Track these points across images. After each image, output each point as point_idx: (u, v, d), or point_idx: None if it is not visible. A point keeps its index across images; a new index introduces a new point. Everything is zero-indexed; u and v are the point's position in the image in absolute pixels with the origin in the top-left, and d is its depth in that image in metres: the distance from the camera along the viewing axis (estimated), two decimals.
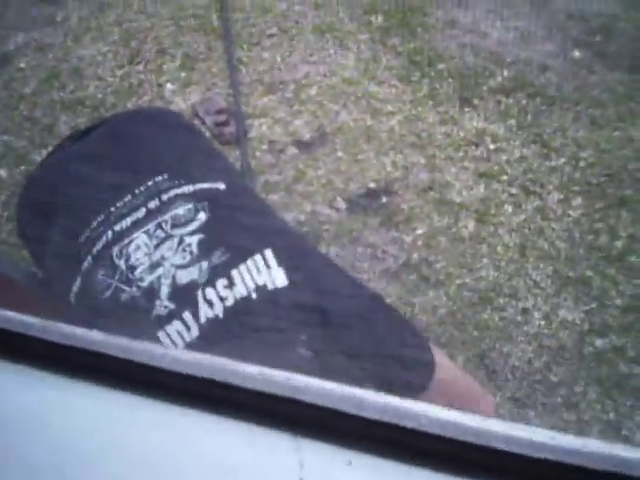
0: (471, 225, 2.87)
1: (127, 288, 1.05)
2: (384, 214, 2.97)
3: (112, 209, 1.12)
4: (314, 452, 0.52)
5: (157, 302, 1.04)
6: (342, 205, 3.03)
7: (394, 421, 0.50)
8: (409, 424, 0.50)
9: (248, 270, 1.03)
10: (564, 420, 2.24)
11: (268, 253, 1.05)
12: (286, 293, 1.03)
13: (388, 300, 2.61)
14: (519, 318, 2.54)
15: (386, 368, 1.11)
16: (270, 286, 1.03)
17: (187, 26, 4.08)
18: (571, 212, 2.91)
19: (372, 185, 3.10)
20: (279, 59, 3.83)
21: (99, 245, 1.09)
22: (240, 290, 1.02)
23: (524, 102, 3.43)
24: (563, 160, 3.14)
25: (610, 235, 2.80)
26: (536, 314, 2.55)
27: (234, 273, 1.03)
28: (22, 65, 3.89)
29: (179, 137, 1.33)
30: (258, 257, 1.05)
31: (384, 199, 3.03)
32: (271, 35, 4.01)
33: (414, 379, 1.12)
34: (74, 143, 1.34)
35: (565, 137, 3.24)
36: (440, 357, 1.17)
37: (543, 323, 2.52)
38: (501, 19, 3.97)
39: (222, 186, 1.16)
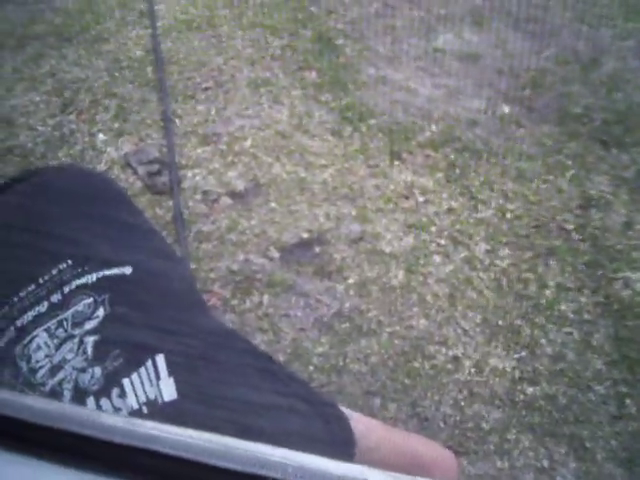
0: (401, 275, 2.92)
1: (30, 392, 1.01)
2: (317, 264, 2.99)
3: (15, 299, 1.07)
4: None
5: None
6: (275, 254, 3.04)
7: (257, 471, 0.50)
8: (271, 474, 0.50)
9: (140, 379, 0.99)
10: (497, 468, 2.26)
11: (160, 360, 1.00)
12: (176, 407, 0.98)
13: (320, 349, 2.62)
14: (450, 366, 2.57)
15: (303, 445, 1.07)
16: (159, 400, 0.98)
17: (121, 78, 4.09)
18: (499, 262, 2.98)
19: (305, 235, 3.12)
20: (214, 112, 3.86)
21: (1, 342, 1.05)
22: (131, 402, 0.97)
23: (452, 156, 3.54)
24: (491, 212, 3.23)
25: (539, 284, 2.88)
26: (467, 362, 2.58)
27: (125, 382, 0.98)
28: None
29: (95, 206, 1.26)
30: (149, 364, 1.00)
31: (317, 249, 3.06)
32: (206, 88, 4.05)
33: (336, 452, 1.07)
34: None
35: (493, 190, 3.34)
36: (364, 422, 1.13)
37: (474, 371, 2.55)
38: (431, 76, 4.11)
39: (128, 271, 1.10)
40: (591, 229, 3.09)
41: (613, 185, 3.30)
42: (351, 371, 2.55)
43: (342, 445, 1.06)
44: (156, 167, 3.44)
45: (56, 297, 1.07)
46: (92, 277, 1.09)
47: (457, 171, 3.46)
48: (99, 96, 3.94)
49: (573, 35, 4.45)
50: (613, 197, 3.23)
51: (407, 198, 3.30)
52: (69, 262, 1.10)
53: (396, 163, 3.49)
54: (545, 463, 2.25)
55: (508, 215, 3.20)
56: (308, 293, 2.87)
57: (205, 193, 3.36)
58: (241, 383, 1.07)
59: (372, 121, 3.75)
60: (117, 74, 4.11)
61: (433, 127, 3.72)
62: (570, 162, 3.46)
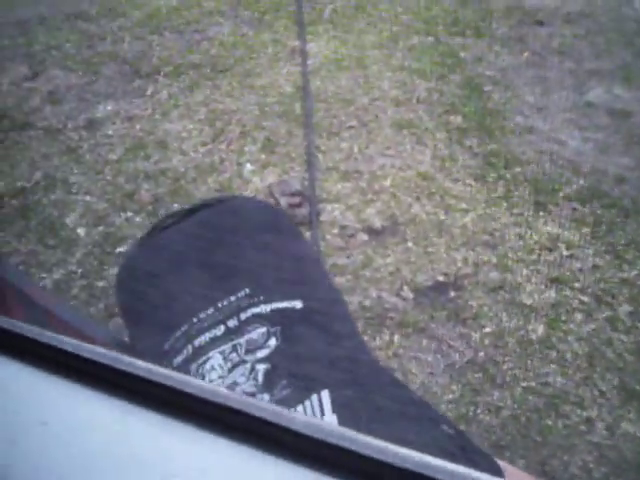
0: (540, 329, 2.82)
1: None
2: (451, 308, 2.94)
3: (195, 320, 1.14)
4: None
5: None
6: (409, 295, 3.02)
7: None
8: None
9: (304, 411, 1.01)
10: None
11: (325, 396, 1.02)
12: None
13: (450, 396, 2.56)
14: (582, 427, 2.45)
15: None
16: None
17: (271, 112, 4.22)
18: None
19: (441, 278, 3.08)
20: (356, 150, 3.91)
21: (179, 359, 1.11)
22: None
23: (599, 212, 3.41)
24: (635, 272, 3.08)
25: None
26: (599, 424, 2.45)
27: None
28: (109, 132, 4.06)
29: (271, 237, 1.32)
30: (315, 398, 1.02)
31: (452, 293, 3.01)
32: (350, 127, 4.11)
33: None
34: (172, 226, 1.36)
35: (639, 250, 3.19)
36: (516, 475, 1.11)
37: (606, 434, 2.42)
38: (580, 129, 4.00)
39: (299, 305, 1.15)
40: None
41: None
42: (481, 422, 2.47)
43: None
44: (297, 199, 3.51)
45: (233, 322, 1.12)
46: (267, 307, 1.13)
47: (603, 227, 3.33)
48: (248, 128, 4.08)
49: None
50: None
51: (551, 251, 3.20)
52: (247, 291, 1.15)
53: (541, 214, 3.40)
54: None
55: None
56: (440, 337, 2.82)
57: (343, 228, 3.38)
58: (401, 428, 1.07)
59: (517, 169, 3.69)
60: (267, 108, 4.25)
61: (581, 181, 3.61)
62: None
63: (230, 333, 1.11)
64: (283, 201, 3.51)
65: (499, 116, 4.10)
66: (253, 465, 0.56)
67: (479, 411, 2.52)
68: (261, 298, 1.14)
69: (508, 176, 3.64)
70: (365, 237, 3.35)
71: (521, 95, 4.33)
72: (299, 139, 3.98)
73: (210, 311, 1.14)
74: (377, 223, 3.42)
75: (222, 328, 1.12)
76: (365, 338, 2.84)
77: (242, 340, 1.10)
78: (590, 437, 2.44)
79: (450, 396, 2.58)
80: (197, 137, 4.01)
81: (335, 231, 3.38)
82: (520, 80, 4.50)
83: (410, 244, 3.28)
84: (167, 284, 1.23)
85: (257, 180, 3.66)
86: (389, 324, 2.91)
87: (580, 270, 3.08)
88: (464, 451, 1.07)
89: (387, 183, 3.67)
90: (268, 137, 3.99)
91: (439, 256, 3.19)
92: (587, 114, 4.18)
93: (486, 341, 2.77)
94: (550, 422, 2.48)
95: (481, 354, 2.72)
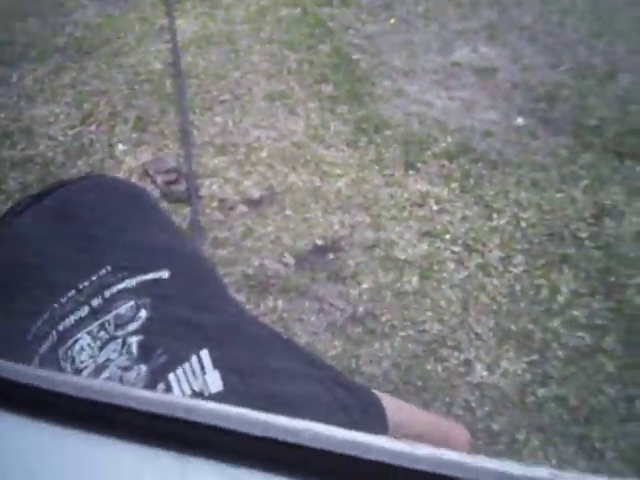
0: (415, 280, 2.93)
1: None
2: (331, 269, 3.01)
3: (56, 305, 1.12)
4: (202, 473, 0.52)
5: None
6: (290, 260, 3.07)
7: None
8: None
9: (185, 374, 1.02)
10: None
11: (204, 354, 1.04)
12: (222, 398, 1.01)
13: (333, 352, 2.64)
14: (461, 369, 2.58)
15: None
16: (205, 392, 1.01)
17: (141, 90, 4.16)
18: (512, 269, 2.99)
19: (319, 242, 3.15)
20: (231, 123, 3.92)
21: (45, 346, 1.09)
22: (177, 396, 1.01)
23: (467, 167, 3.56)
24: (505, 220, 3.25)
25: (551, 290, 2.88)
26: (478, 365, 2.59)
27: (171, 377, 1.02)
28: None
29: (130, 214, 1.31)
30: (194, 359, 1.04)
31: (331, 255, 3.09)
32: (223, 101, 4.11)
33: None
34: (26, 210, 1.33)
35: (507, 199, 3.36)
36: (392, 402, 1.17)
37: (485, 374, 2.56)
38: (446, 89, 4.14)
39: (166, 274, 1.16)
40: (605, 237, 3.10)
41: (627, 195, 3.31)
42: (364, 373, 2.56)
43: (377, 425, 1.10)
44: (173, 176, 3.49)
45: (97, 302, 1.11)
46: (132, 282, 1.14)
47: (472, 181, 3.48)
48: (119, 108, 4.01)
49: (589, 49, 4.48)
50: (626, 207, 3.23)
51: (421, 206, 3.32)
52: (108, 268, 1.15)
53: (411, 173, 3.52)
54: (554, 462, 2.25)
55: (522, 224, 3.21)
56: (322, 298, 2.89)
57: (222, 201, 3.40)
58: (283, 372, 1.11)
59: (387, 132, 3.79)
60: (136, 87, 4.18)
61: (448, 138, 3.75)
62: (584, 172, 3.47)
63: (95, 312, 1.11)
64: (159, 179, 3.49)
65: (368, 82, 4.19)
66: (152, 464, 0.55)
67: (361, 363, 2.61)
68: (125, 274, 1.14)
69: (379, 140, 3.74)
70: (244, 208, 3.38)
71: (389, 61, 4.44)
72: (171, 116, 3.95)
73: (71, 294, 1.13)
74: (255, 194, 3.45)
75: (86, 309, 1.12)
76: (250, 306, 2.88)
77: (109, 317, 1.10)
78: (470, 378, 2.57)
79: (333, 352, 2.65)
80: (65, 121, 3.91)
81: (214, 205, 3.39)
82: (387, 46, 4.60)
83: (288, 212, 3.33)
84: (24, 271, 1.21)
85: (130, 160, 3.62)
86: (272, 290, 2.95)
87: (450, 222, 3.22)
88: (342, 387, 1.13)
89: (263, 154, 3.70)
90: (139, 116, 3.94)
91: (317, 221, 3.26)
92: (453, 74, 4.33)
93: (364, 297, 2.86)
94: (430, 367, 2.60)
95: (360, 309, 2.81)
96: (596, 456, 2.26)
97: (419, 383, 2.53)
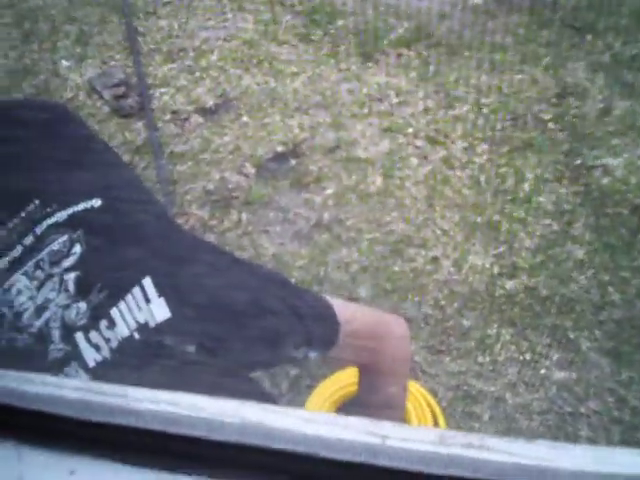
0: (379, 180, 2.88)
1: (18, 336, 1.00)
2: (293, 177, 2.95)
3: None
4: (36, 462, 0.49)
5: (51, 346, 0.99)
6: (251, 170, 3.00)
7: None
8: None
9: (128, 306, 0.99)
10: (479, 363, 2.29)
11: (147, 283, 1.00)
12: (171, 326, 0.98)
13: (301, 262, 2.62)
14: (429, 267, 2.57)
15: (296, 339, 1.10)
16: (151, 323, 0.98)
17: (79, 1, 3.94)
18: (476, 159, 2.94)
19: (280, 149, 3.07)
20: (177, 26, 3.74)
21: None
22: (122, 330, 0.97)
23: (425, 53, 3.44)
24: (466, 108, 3.17)
25: (517, 178, 2.85)
26: (445, 262, 2.58)
27: (113, 312, 0.98)
28: None
29: (55, 140, 1.22)
30: (136, 290, 1.00)
31: (292, 162, 3.01)
32: (167, 3, 3.90)
33: (325, 342, 1.12)
34: None
35: (468, 84, 3.27)
36: (336, 302, 1.17)
37: (453, 270, 2.56)
38: None
39: (98, 203, 1.08)
40: (569, 118, 3.04)
41: (589, 71, 3.22)
42: (333, 280, 2.55)
43: (330, 329, 1.12)
44: (122, 90, 3.35)
45: (29, 240, 1.06)
46: (62, 215, 1.07)
47: (431, 68, 3.37)
48: (58, 22, 3.80)
49: None
50: (589, 84, 3.16)
51: (381, 101, 3.22)
52: (36, 202, 1.08)
53: (368, 65, 3.40)
54: (528, 356, 2.28)
55: (484, 110, 3.14)
56: (286, 207, 2.84)
57: (174, 112, 3.28)
58: (233, 289, 1.08)
59: (341, 22, 3.63)
60: None
61: (404, 24, 3.60)
62: (544, 51, 3.36)
63: (29, 251, 1.06)
64: (107, 94, 3.35)
65: None
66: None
67: (330, 269, 2.59)
68: (54, 207, 1.08)
69: (332, 31, 3.58)
70: (200, 119, 3.27)
71: None
72: (114, 25, 3.75)
73: (2, 233, 1.08)
74: (209, 102, 3.33)
75: (19, 248, 1.06)
76: (213, 221, 2.84)
77: (43, 254, 1.05)
78: (438, 276, 2.57)
79: (301, 261, 2.63)
80: (5, 41, 3.71)
81: (167, 117, 3.27)
82: None
83: (245, 118, 3.23)
84: None
85: (75, 76, 3.45)
86: (235, 203, 2.90)
87: (412, 115, 3.14)
88: (294, 296, 1.13)
89: (213, 57, 3.55)
90: (81, 28, 3.74)
91: (275, 126, 3.17)
92: None
93: (329, 202, 2.82)
94: (397, 268, 2.59)
95: (325, 216, 2.77)
96: (571, 347, 2.29)
97: (387, 285, 2.53)
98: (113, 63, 3.53)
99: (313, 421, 0.51)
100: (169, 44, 3.63)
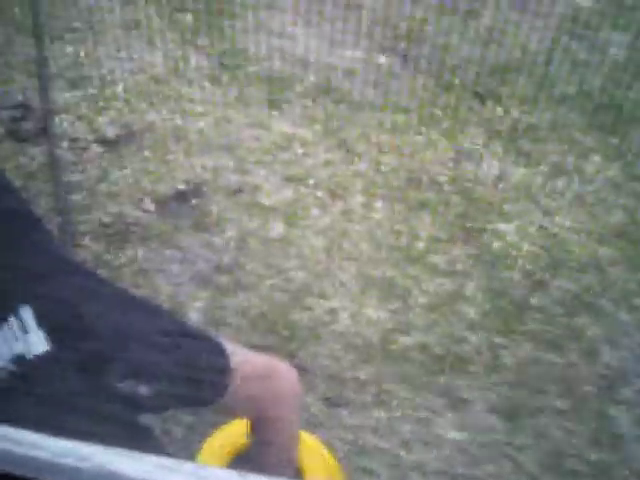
0: (280, 227, 2.91)
1: None
2: (194, 216, 2.93)
3: None
4: None
5: None
6: (150, 206, 2.96)
7: None
8: None
9: (4, 336, 0.94)
10: (375, 418, 2.32)
11: (25, 312, 0.95)
12: (48, 359, 0.94)
13: (197, 304, 2.60)
14: (327, 318, 2.61)
15: (181, 383, 1.07)
16: (28, 355, 0.93)
17: None
18: (373, 214, 3.03)
19: (181, 186, 3.05)
20: (83, 54, 3.67)
21: None
22: None
23: (330, 108, 3.53)
24: (366, 164, 3.27)
25: (411, 236, 2.95)
26: (343, 313, 2.63)
27: None
28: None
29: None
30: (12, 319, 0.95)
31: (194, 201, 3.00)
32: (75, 29, 3.83)
33: (210, 391, 1.10)
34: None
35: (369, 142, 3.37)
36: (229, 345, 1.16)
37: (349, 322, 2.60)
38: (309, 24, 4.06)
39: None
40: (463, 182, 3.19)
41: (486, 137, 3.40)
42: (230, 325, 2.54)
43: (222, 372, 1.08)
44: (20, 112, 3.24)
45: None
46: None
47: (335, 123, 3.46)
48: None
49: None
50: (486, 150, 3.33)
51: (286, 149, 3.28)
52: None
53: (274, 113, 3.45)
54: (422, 414, 2.33)
55: (383, 168, 3.24)
56: (185, 247, 2.82)
57: (74, 140, 3.20)
58: (120, 325, 1.04)
59: (250, 69, 3.68)
60: None
61: (311, 77, 3.70)
62: (444, 114, 3.53)
63: None
64: (4, 114, 3.23)
65: (229, 13, 4.02)
66: None
67: (228, 314, 2.58)
68: None
69: (241, 76, 3.62)
70: (99, 149, 3.21)
71: None
72: (19, 46, 3.64)
73: None
74: (111, 132, 3.27)
75: None
76: (108, 256, 2.77)
77: None
78: (335, 327, 2.60)
79: (198, 304, 2.61)
80: None
81: (65, 144, 3.18)
82: None
83: (147, 153, 3.20)
84: None
85: None
86: (132, 239, 2.84)
87: (314, 166, 3.20)
88: (186, 335, 1.10)
89: (119, 89, 3.50)
90: None
91: (178, 164, 3.15)
92: (317, 8, 4.23)
93: (230, 245, 2.82)
94: (296, 316, 2.61)
95: (225, 258, 2.77)
96: (465, 407, 2.36)
97: (285, 333, 2.54)
98: (13, 84, 3.41)
99: (174, 470, 0.50)
100: (73, 71, 3.56)
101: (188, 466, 0.50)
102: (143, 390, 1.04)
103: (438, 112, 3.57)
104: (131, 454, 0.50)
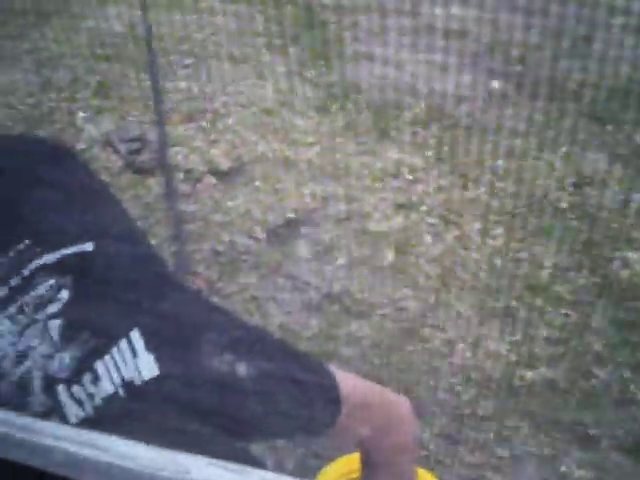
0: (391, 255, 2.83)
1: None
2: (304, 245, 2.90)
3: None
4: None
5: (31, 398, 0.92)
6: (261, 235, 2.95)
7: None
8: None
9: (114, 361, 0.92)
10: (497, 456, 2.18)
11: (135, 337, 0.94)
12: (158, 384, 0.92)
13: (309, 333, 2.54)
14: (443, 349, 2.50)
15: (293, 417, 1.03)
16: (138, 380, 0.92)
17: (102, 55, 3.96)
18: (491, 241, 2.91)
19: (291, 215, 3.03)
20: (196, 89, 3.75)
21: None
22: (106, 387, 0.91)
23: (441, 134, 3.45)
24: (481, 190, 3.15)
25: (533, 264, 2.80)
26: (461, 345, 2.51)
27: (98, 365, 0.92)
28: None
29: (49, 176, 1.17)
30: (123, 343, 0.93)
31: (303, 229, 2.97)
32: (187, 65, 3.93)
33: (321, 420, 1.06)
34: None
35: (483, 167, 3.26)
36: (340, 374, 1.11)
37: (468, 354, 2.48)
38: (418, 52, 4.00)
39: (90, 247, 1.03)
40: (587, 208, 3.02)
41: (608, 162, 3.22)
42: (342, 355, 2.47)
43: (330, 400, 1.04)
44: (137, 145, 3.32)
45: (15, 281, 0.98)
46: (52, 257, 1.00)
47: (446, 149, 3.38)
48: (79, 73, 3.81)
49: (564, 10, 4.36)
50: (608, 175, 3.15)
51: (396, 176, 3.21)
52: (27, 242, 1.02)
53: (384, 140, 3.40)
54: (547, 451, 2.17)
55: (499, 193, 3.12)
56: (295, 275, 2.78)
57: (188, 172, 3.25)
58: (225, 353, 1.01)
59: (358, 97, 3.66)
60: (98, 50, 3.98)
61: (421, 103, 3.63)
62: (562, 139, 3.38)
63: (14, 293, 0.98)
64: (122, 148, 3.32)
65: (337, 44, 4.03)
66: None
67: (339, 344, 2.51)
68: (44, 248, 1.01)
69: (349, 105, 3.60)
70: (212, 180, 3.24)
71: (358, 22, 4.27)
72: (134, 81, 3.76)
73: None
74: (223, 164, 3.31)
75: (5, 289, 0.99)
76: (220, 284, 2.77)
77: (28, 297, 0.98)
78: (452, 359, 2.49)
79: (309, 332, 2.55)
80: (24, 88, 3.71)
81: (180, 176, 3.24)
82: (357, 6, 4.43)
83: (258, 183, 3.20)
84: None
85: (91, 128, 3.44)
86: (243, 267, 2.84)
87: (426, 193, 3.12)
88: (293, 362, 1.06)
89: (230, 121, 3.54)
90: (101, 81, 3.75)
91: (288, 193, 3.14)
92: (424, 35, 4.19)
93: (340, 273, 2.76)
94: (411, 347, 2.51)
95: (336, 286, 2.71)
96: (592, 445, 2.19)
97: (401, 365, 2.45)
98: (130, 119, 3.52)
99: None
100: (187, 105, 3.63)
101: None
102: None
103: (556, 136, 3.42)
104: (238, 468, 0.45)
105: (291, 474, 2.00)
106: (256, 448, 1.08)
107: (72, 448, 0.47)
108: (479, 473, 2.12)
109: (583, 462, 2.13)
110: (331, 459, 1.69)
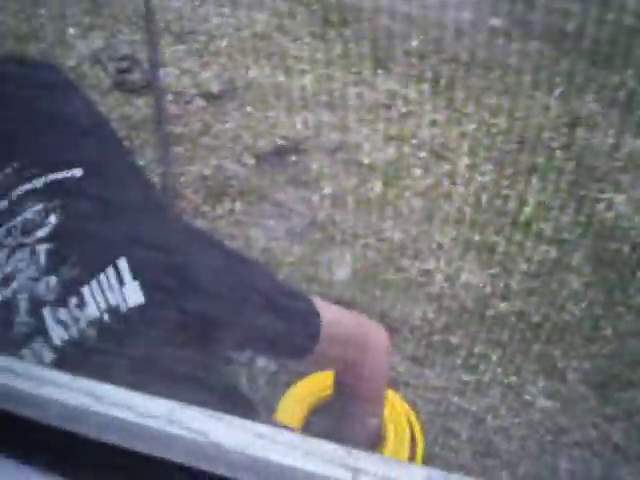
0: (378, 187, 2.82)
1: None
2: (292, 172, 2.88)
3: None
4: None
5: (17, 318, 0.92)
6: (250, 161, 2.93)
7: None
8: None
9: (100, 286, 0.93)
10: (462, 381, 2.23)
11: (122, 264, 0.94)
12: (142, 312, 0.93)
13: (291, 259, 2.55)
14: (421, 279, 2.51)
15: (272, 338, 1.08)
16: (123, 307, 0.92)
17: None
18: (480, 177, 2.89)
19: (281, 142, 3.01)
20: (189, 9, 3.67)
21: None
22: (91, 311, 0.92)
23: (438, 67, 3.39)
24: (474, 126, 3.12)
25: (519, 201, 2.80)
26: (438, 276, 2.52)
27: (85, 290, 0.92)
28: None
29: (40, 99, 1.14)
30: (110, 270, 0.94)
31: (293, 157, 2.95)
32: None
33: (301, 345, 1.09)
34: None
35: (478, 103, 3.22)
36: (320, 302, 1.12)
37: (445, 285, 2.49)
38: None
39: (79, 173, 1.02)
40: (577, 149, 3.00)
41: (602, 106, 3.18)
42: (322, 280, 2.48)
43: (311, 327, 1.08)
44: (126, 64, 3.27)
45: (2, 204, 0.98)
46: (40, 181, 1.00)
47: (442, 83, 3.33)
48: None
49: None
50: (601, 118, 3.12)
51: (389, 108, 3.17)
52: (14, 165, 1.01)
53: (379, 71, 3.34)
54: (513, 380, 2.22)
55: (492, 130, 3.09)
56: (282, 202, 2.77)
57: (177, 94, 3.21)
58: (211, 281, 1.03)
59: (357, 25, 3.58)
60: None
61: (420, 35, 3.56)
62: (559, 80, 3.32)
63: (2, 216, 0.98)
64: (111, 66, 3.27)
65: None
66: None
67: (319, 270, 2.52)
68: (32, 172, 1.00)
69: (347, 33, 3.53)
70: (202, 103, 3.20)
71: None
72: None
73: None
74: (214, 87, 3.26)
75: None
76: (206, 208, 2.77)
77: (16, 221, 0.97)
78: (429, 289, 2.51)
79: (291, 258, 2.56)
80: (15, 4, 3.62)
81: (170, 97, 3.19)
82: None
83: (249, 108, 3.16)
84: None
85: (81, 45, 3.38)
86: (230, 192, 2.83)
87: (418, 126, 3.08)
88: (277, 291, 1.09)
89: (223, 44, 3.48)
90: None
91: (279, 120, 3.10)
92: None
93: (326, 202, 2.75)
94: (389, 276, 2.53)
95: (321, 215, 2.70)
96: (558, 377, 2.23)
97: (377, 293, 2.46)
98: (121, 37, 3.45)
99: (272, 440, 0.43)
100: (179, 25, 3.56)
101: (290, 436, 0.45)
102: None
103: (552, 76, 3.36)
104: (229, 419, 0.46)
105: (263, 390, 2.04)
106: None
107: (70, 400, 0.47)
108: (443, 396, 2.16)
109: (548, 393, 2.18)
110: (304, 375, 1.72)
